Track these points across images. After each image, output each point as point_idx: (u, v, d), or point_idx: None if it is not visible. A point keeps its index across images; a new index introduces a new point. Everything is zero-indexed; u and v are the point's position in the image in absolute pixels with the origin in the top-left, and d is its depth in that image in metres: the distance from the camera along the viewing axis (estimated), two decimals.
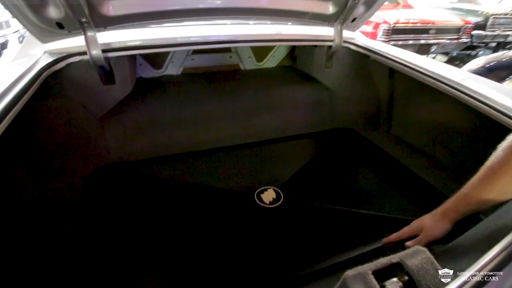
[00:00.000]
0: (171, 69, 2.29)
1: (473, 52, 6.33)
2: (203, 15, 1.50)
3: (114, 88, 1.54)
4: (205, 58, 2.35)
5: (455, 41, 5.61)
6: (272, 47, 2.46)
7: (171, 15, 1.44)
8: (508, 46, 6.55)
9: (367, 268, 0.62)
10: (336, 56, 1.90)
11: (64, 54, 1.34)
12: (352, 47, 1.89)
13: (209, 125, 1.90)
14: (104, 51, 1.34)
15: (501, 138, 0.87)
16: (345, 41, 1.85)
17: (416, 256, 0.64)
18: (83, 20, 1.19)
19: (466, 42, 5.73)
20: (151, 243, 1.19)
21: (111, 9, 1.23)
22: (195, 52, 2.27)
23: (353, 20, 1.74)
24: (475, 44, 5.96)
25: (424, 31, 5.28)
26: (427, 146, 1.72)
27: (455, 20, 5.64)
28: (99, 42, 1.31)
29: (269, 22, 1.73)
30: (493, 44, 6.46)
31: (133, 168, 1.65)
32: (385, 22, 5.07)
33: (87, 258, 1.12)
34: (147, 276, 1.05)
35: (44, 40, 1.31)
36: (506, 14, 5.99)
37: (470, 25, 5.65)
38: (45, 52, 1.36)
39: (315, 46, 1.85)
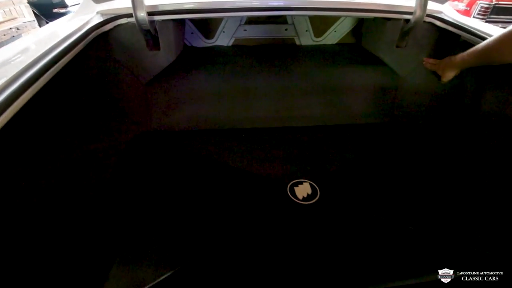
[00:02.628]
0: (222, 39, 2.18)
1: None
2: None
3: (159, 54, 1.50)
4: (258, 29, 2.18)
5: None
6: (334, 21, 2.15)
7: None
8: None
9: None
10: (413, 33, 1.54)
11: (113, 16, 1.32)
12: (438, 23, 1.49)
13: (252, 103, 1.77)
14: (149, 14, 1.28)
15: None
16: (428, 15, 1.47)
17: None
18: None
19: None
20: (174, 221, 1.16)
21: None
22: (248, 22, 2.11)
23: None
24: None
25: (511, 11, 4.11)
26: None
27: None
28: (145, 3, 1.26)
29: None
30: None
31: (171, 138, 1.65)
32: None
33: (111, 225, 1.14)
34: (165, 258, 1.02)
35: (98, 0, 1.31)
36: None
37: None
38: (97, 13, 1.37)
39: (388, 19, 1.51)
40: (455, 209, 1.24)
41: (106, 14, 1.35)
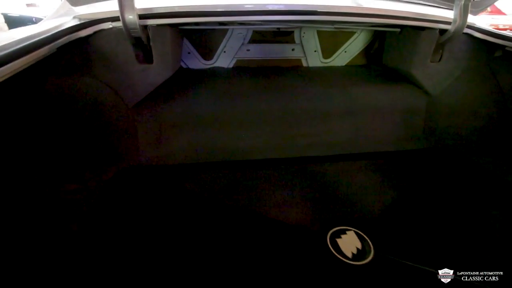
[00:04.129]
0: (223, 60, 1.94)
1: None
2: None
3: (151, 69, 1.20)
4: (263, 49, 1.96)
5: None
6: (345, 40, 1.98)
7: None
8: None
9: None
10: (449, 46, 1.34)
11: (93, 19, 1.04)
12: (477, 33, 1.31)
13: (261, 130, 1.47)
14: (141, 17, 1.01)
15: None
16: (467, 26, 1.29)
17: None
18: None
19: None
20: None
21: None
22: (252, 41, 1.90)
23: None
24: None
25: None
26: None
27: None
28: (136, 6, 0.99)
29: None
30: None
31: (164, 174, 1.29)
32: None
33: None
34: None
35: (75, 1, 1.03)
36: None
37: None
38: (74, 18, 1.08)
39: (422, 29, 1.31)
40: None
41: (85, 19, 1.06)
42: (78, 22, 1.02)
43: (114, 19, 1.04)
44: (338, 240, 0.94)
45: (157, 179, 1.26)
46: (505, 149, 1.40)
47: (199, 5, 1.11)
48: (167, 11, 1.06)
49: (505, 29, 4.40)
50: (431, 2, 1.26)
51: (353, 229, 0.99)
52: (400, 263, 0.86)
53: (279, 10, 1.21)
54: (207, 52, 1.90)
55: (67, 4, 1.10)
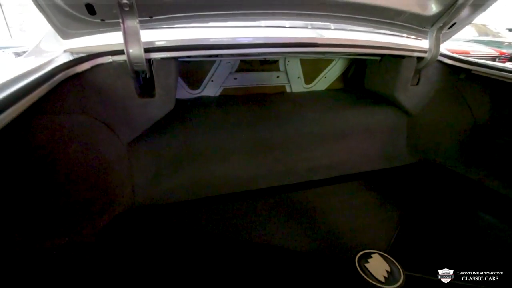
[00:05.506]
0: (210, 89, 1.92)
1: None
2: (273, 8, 1.13)
3: (152, 103, 1.13)
4: (249, 77, 2.00)
5: None
6: (325, 66, 2.11)
7: (233, 6, 1.06)
8: None
9: None
10: (425, 71, 1.50)
11: (91, 53, 0.96)
12: (445, 59, 1.50)
13: (261, 157, 1.46)
14: (146, 50, 0.97)
15: None
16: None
17: None
18: (124, 1, 0.83)
19: None
20: None
21: None
22: (240, 69, 1.93)
23: (450, 26, 1.37)
24: None
25: None
26: None
27: (488, 50, 5.42)
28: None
29: (347, 26, 1.37)
30: None
31: (165, 215, 1.18)
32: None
33: None
34: None
35: (65, 34, 0.95)
36: None
37: (504, 55, 5.40)
38: (64, 51, 0.99)
39: (403, 58, 1.46)
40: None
41: (78, 53, 0.98)
42: (73, 56, 0.93)
43: (115, 52, 0.97)
44: (367, 265, 0.93)
45: (155, 221, 1.15)
46: (478, 158, 1.56)
47: (205, 39, 1.10)
48: (173, 44, 1.03)
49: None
50: (406, 34, 1.41)
51: (377, 251, 0.99)
52: (432, 280, 0.88)
53: (275, 43, 1.26)
54: (194, 81, 1.87)
55: (51, 36, 1.02)
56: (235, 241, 1.05)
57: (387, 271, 0.91)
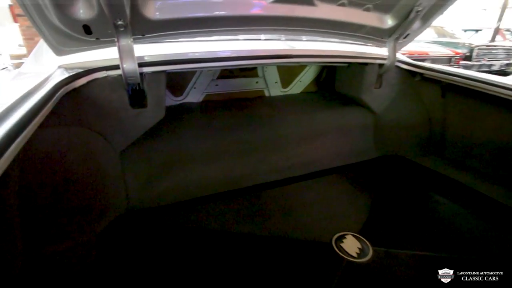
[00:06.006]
0: (192, 96, 2.02)
1: None
2: (249, 25, 1.27)
3: (145, 113, 1.22)
4: (230, 83, 2.11)
5: None
6: (299, 71, 2.28)
7: (210, 23, 1.19)
8: None
9: None
10: (386, 75, 1.72)
11: (86, 69, 1.04)
12: (402, 65, 1.72)
13: (247, 157, 1.59)
14: (140, 65, 1.06)
15: None
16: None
17: None
18: (119, 23, 0.92)
19: None
20: None
21: (156, 12, 0.97)
22: (220, 76, 2.04)
23: (405, 36, 1.58)
24: None
25: (421, 61, 5.48)
26: (495, 169, 1.49)
27: (445, 51, 5.94)
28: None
29: (318, 38, 1.54)
30: None
31: (159, 216, 1.27)
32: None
33: None
34: None
35: (60, 51, 1.01)
36: (488, 46, 6.41)
37: (459, 55, 5.96)
38: (59, 67, 1.06)
39: (366, 64, 1.66)
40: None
41: (73, 69, 1.05)
42: (68, 72, 1.00)
43: (110, 68, 1.05)
44: (342, 244, 1.10)
45: (150, 223, 1.24)
46: (433, 148, 1.81)
47: (189, 53, 1.21)
48: (164, 59, 1.13)
49: (412, 54, 5.54)
50: (369, 44, 1.61)
51: (350, 233, 1.16)
52: (396, 253, 1.06)
53: (253, 56, 1.39)
54: (177, 88, 1.96)
55: (45, 50, 1.08)
56: (225, 236, 1.17)
57: (359, 248, 1.08)
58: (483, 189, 1.46)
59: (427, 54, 5.57)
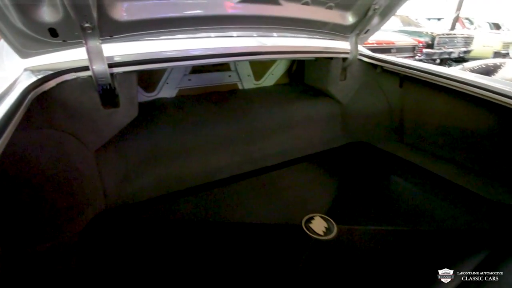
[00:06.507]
0: (166, 91, 2.02)
1: None
2: (217, 24, 1.31)
3: (117, 112, 1.24)
4: (203, 77, 2.14)
5: (411, 58, 6.19)
6: (271, 64, 2.36)
7: (180, 23, 1.22)
8: (447, 62, 7.47)
9: None
10: (350, 68, 1.84)
11: (54, 71, 1.03)
12: (364, 58, 1.85)
13: (222, 150, 1.65)
14: (110, 66, 1.07)
15: None
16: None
17: None
18: (87, 25, 0.93)
19: (421, 59, 6.36)
20: None
21: (124, 13, 0.98)
22: (193, 71, 2.06)
23: (366, 32, 1.70)
24: (425, 61, 6.67)
25: (387, 50, 5.75)
26: (447, 151, 1.69)
27: (409, 40, 6.27)
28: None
29: (287, 34, 1.61)
30: (438, 61, 7.30)
31: (139, 212, 1.32)
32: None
33: None
34: None
35: (25, 54, 1.00)
36: (448, 34, 6.86)
37: (422, 44, 6.33)
38: (25, 70, 1.04)
39: (331, 58, 1.77)
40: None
41: (40, 71, 1.04)
42: (34, 75, 0.99)
43: (78, 69, 1.06)
44: (311, 225, 1.22)
45: (130, 218, 1.28)
46: (394, 135, 1.98)
47: (160, 52, 1.23)
48: (134, 59, 1.15)
49: (380, 43, 5.79)
50: (334, 38, 1.71)
51: (318, 214, 1.28)
52: (358, 229, 1.20)
53: (224, 54, 1.44)
54: (149, 84, 1.95)
55: (8, 52, 1.06)
56: (204, 225, 1.24)
57: (325, 227, 1.21)
58: (435, 169, 1.65)
59: (394, 43, 5.86)
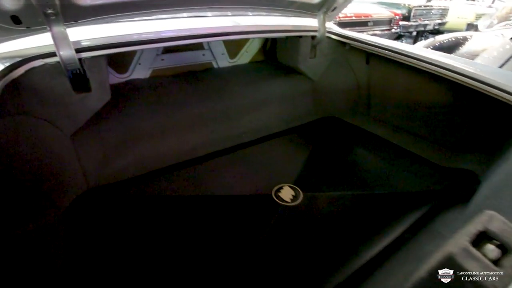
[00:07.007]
0: (139, 72, 2.01)
1: (399, 41, 7.19)
2: (183, 5, 1.33)
3: (89, 97, 1.27)
4: (176, 57, 2.13)
5: (388, 31, 6.27)
6: (245, 43, 2.37)
7: (148, 6, 1.24)
8: (424, 34, 7.62)
9: (465, 241, 0.61)
10: (319, 46, 1.91)
11: (21, 58, 1.04)
12: (333, 36, 1.92)
13: (198, 129, 1.72)
14: (77, 51, 1.09)
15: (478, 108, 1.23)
16: (326, 31, 1.87)
17: (494, 221, 0.66)
18: (50, 11, 0.94)
19: (397, 32, 6.45)
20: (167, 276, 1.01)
21: None
22: (165, 51, 2.05)
23: (333, 9, 1.76)
24: (401, 33, 6.76)
25: (364, 23, 5.78)
26: (406, 123, 1.85)
27: (386, 13, 6.30)
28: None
29: (249, 13, 1.63)
30: (414, 33, 7.43)
31: (120, 190, 1.40)
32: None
33: None
34: None
35: None
36: (425, 6, 6.92)
37: (399, 16, 6.38)
38: None
39: (300, 37, 1.82)
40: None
41: (7, 58, 1.05)
42: (3, 64, 1.00)
43: (46, 55, 1.07)
44: (280, 194, 1.36)
45: (111, 197, 1.36)
46: (361, 109, 2.12)
47: (129, 35, 1.24)
48: (103, 43, 1.16)
49: (359, 16, 5.80)
50: (303, 16, 1.76)
51: (286, 184, 1.42)
52: (321, 195, 1.35)
53: (197, 35, 1.46)
54: (121, 65, 1.94)
55: None
56: (182, 200, 1.35)
57: (293, 195, 1.36)
58: (395, 139, 1.82)
59: (371, 16, 5.88)
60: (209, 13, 1.65)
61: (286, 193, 1.36)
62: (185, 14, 1.58)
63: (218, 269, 1.02)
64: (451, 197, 1.32)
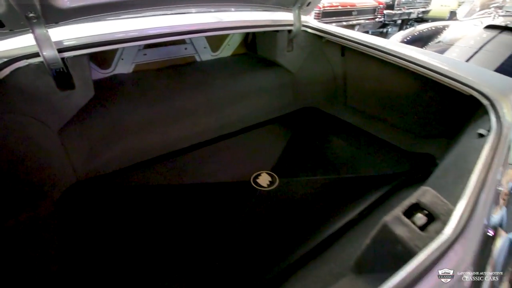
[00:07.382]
0: (121, 67, 2.07)
1: (385, 30, 7.30)
2: (163, 4, 1.39)
3: (73, 94, 1.34)
4: (158, 52, 2.19)
5: (372, 20, 6.37)
6: (226, 36, 2.43)
7: (128, 6, 1.30)
8: (409, 23, 7.75)
9: (399, 211, 0.74)
10: (296, 40, 1.99)
11: (6, 59, 1.10)
12: (309, 30, 2.01)
13: (181, 122, 1.81)
14: (60, 50, 1.15)
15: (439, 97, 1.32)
16: (303, 25, 1.96)
17: (426, 195, 0.78)
18: (31, 15, 1.00)
19: (381, 21, 6.55)
20: (156, 263, 1.12)
21: (66, 0, 1.05)
22: (147, 46, 2.10)
23: (308, 4, 1.84)
24: (386, 22, 6.87)
25: (349, 13, 5.85)
26: (378, 111, 1.98)
27: (371, 2, 6.37)
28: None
29: (231, 9, 1.70)
30: (399, 22, 7.55)
31: (107, 182, 1.49)
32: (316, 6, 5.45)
33: None
34: None
35: None
36: None
37: (382, 5, 6.47)
38: None
39: (277, 31, 1.90)
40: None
41: None
42: None
43: (29, 56, 1.13)
44: (258, 180, 1.48)
45: (100, 188, 1.44)
46: (338, 100, 2.24)
47: (111, 33, 1.29)
48: (83, 42, 1.22)
49: (345, 6, 5.84)
50: (279, 11, 1.83)
51: (264, 171, 1.54)
52: (296, 180, 1.48)
53: (179, 32, 1.52)
54: (104, 61, 1.98)
55: None
56: (167, 189, 1.45)
57: (269, 181, 1.48)
58: (368, 127, 1.95)
59: (355, 6, 5.95)
60: (193, 10, 1.72)
61: (264, 179, 1.48)
62: (168, 12, 1.64)
63: (202, 250, 1.14)
64: (411, 178, 1.46)
